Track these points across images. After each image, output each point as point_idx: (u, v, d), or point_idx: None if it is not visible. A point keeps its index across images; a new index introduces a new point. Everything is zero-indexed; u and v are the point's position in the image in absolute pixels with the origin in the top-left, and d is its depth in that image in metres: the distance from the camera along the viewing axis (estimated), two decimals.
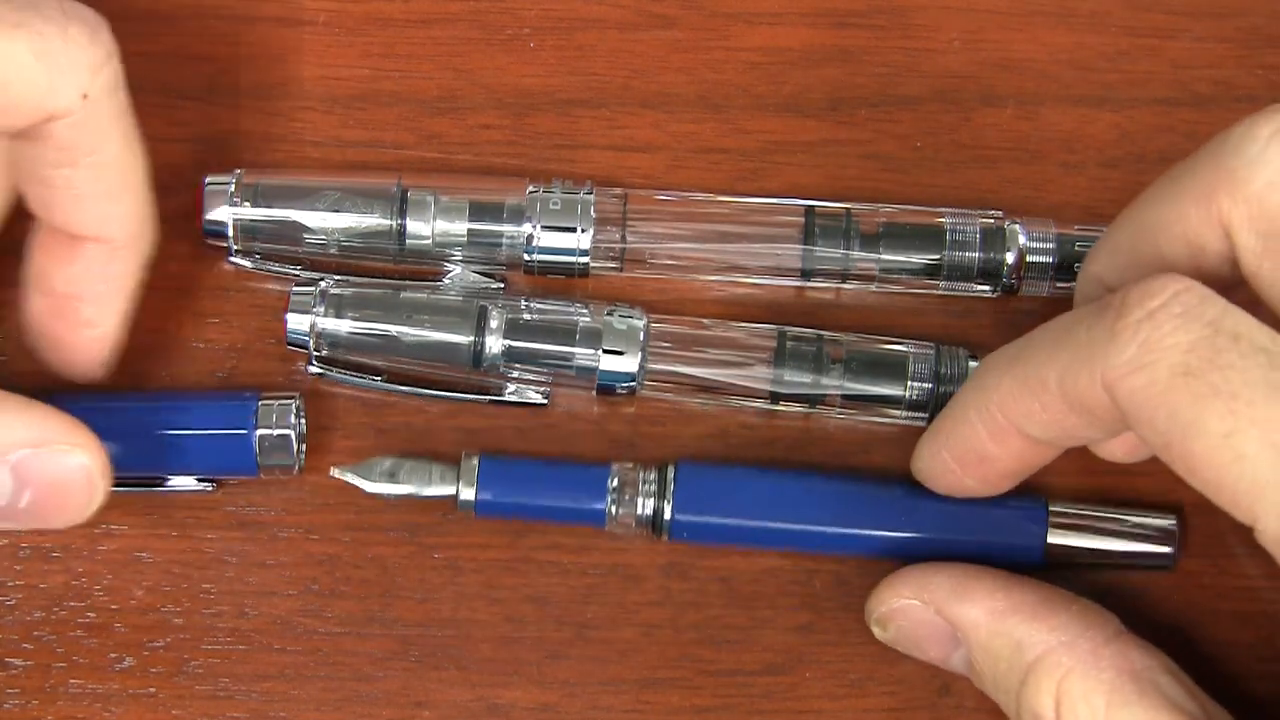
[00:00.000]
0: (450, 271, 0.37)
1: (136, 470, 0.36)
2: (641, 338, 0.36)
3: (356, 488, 0.36)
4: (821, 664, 0.36)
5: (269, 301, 0.38)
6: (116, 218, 0.34)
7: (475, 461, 0.36)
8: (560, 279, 0.38)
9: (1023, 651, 0.32)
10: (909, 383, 0.36)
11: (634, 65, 0.40)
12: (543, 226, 0.37)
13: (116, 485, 0.36)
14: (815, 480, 0.36)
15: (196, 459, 0.36)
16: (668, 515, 0.36)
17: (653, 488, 0.36)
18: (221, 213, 0.37)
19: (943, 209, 0.38)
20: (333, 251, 0.37)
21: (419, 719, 0.36)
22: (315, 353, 0.36)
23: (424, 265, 0.37)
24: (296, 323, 0.36)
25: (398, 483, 0.36)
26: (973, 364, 0.36)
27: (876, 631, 0.35)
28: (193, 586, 0.36)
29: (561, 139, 0.39)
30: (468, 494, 0.36)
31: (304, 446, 0.36)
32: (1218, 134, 0.31)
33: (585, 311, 0.36)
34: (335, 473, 0.36)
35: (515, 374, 0.36)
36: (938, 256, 0.37)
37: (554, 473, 0.36)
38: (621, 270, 0.38)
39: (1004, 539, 0.36)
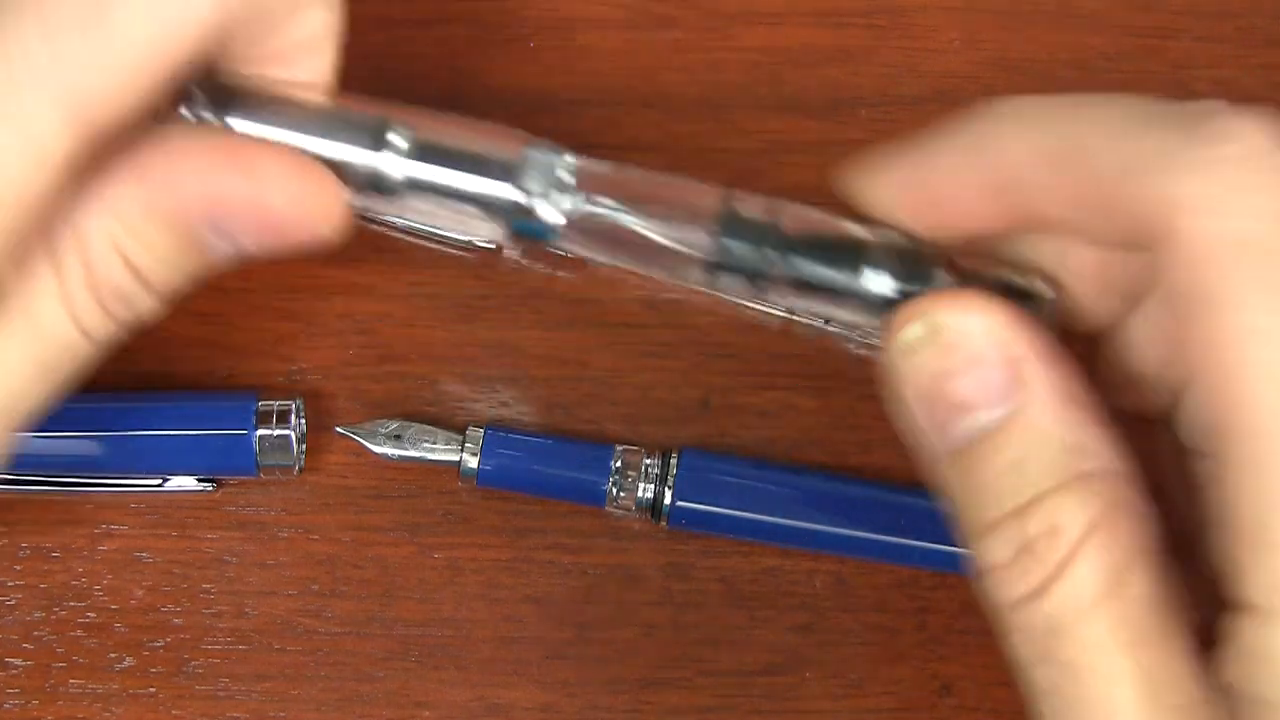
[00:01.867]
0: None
1: (136, 470, 0.36)
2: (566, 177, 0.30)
3: (357, 487, 0.36)
4: (821, 664, 0.36)
5: (269, 302, 0.38)
6: None
7: (481, 431, 0.36)
8: (553, 254, 0.37)
9: (1084, 453, 0.25)
10: (867, 272, 0.28)
11: (634, 65, 0.40)
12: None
13: (117, 485, 0.36)
14: (817, 478, 0.36)
15: (196, 459, 0.36)
16: (668, 501, 0.36)
17: (655, 471, 0.36)
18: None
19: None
20: None
21: (419, 719, 0.36)
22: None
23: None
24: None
25: (402, 446, 0.36)
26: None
27: (909, 334, 0.26)
28: (193, 586, 0.36)
29: (561, 139, 0.39)
30: (471, 462, 0.36)
31: (304, 446, 0.36)
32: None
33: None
34: (341, 430, 0.36)
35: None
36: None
37: (558, 449, 0.36)
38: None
39: None
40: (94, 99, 0.25)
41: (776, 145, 0.39)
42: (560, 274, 0.38)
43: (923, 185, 0.27)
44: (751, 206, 0.28)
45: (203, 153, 0.27)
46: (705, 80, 0.40)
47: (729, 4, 0.40)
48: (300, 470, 0.36)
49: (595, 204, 0.29)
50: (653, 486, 0.36)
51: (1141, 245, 0.25)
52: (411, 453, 0.36)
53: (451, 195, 0.29)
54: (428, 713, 0.36)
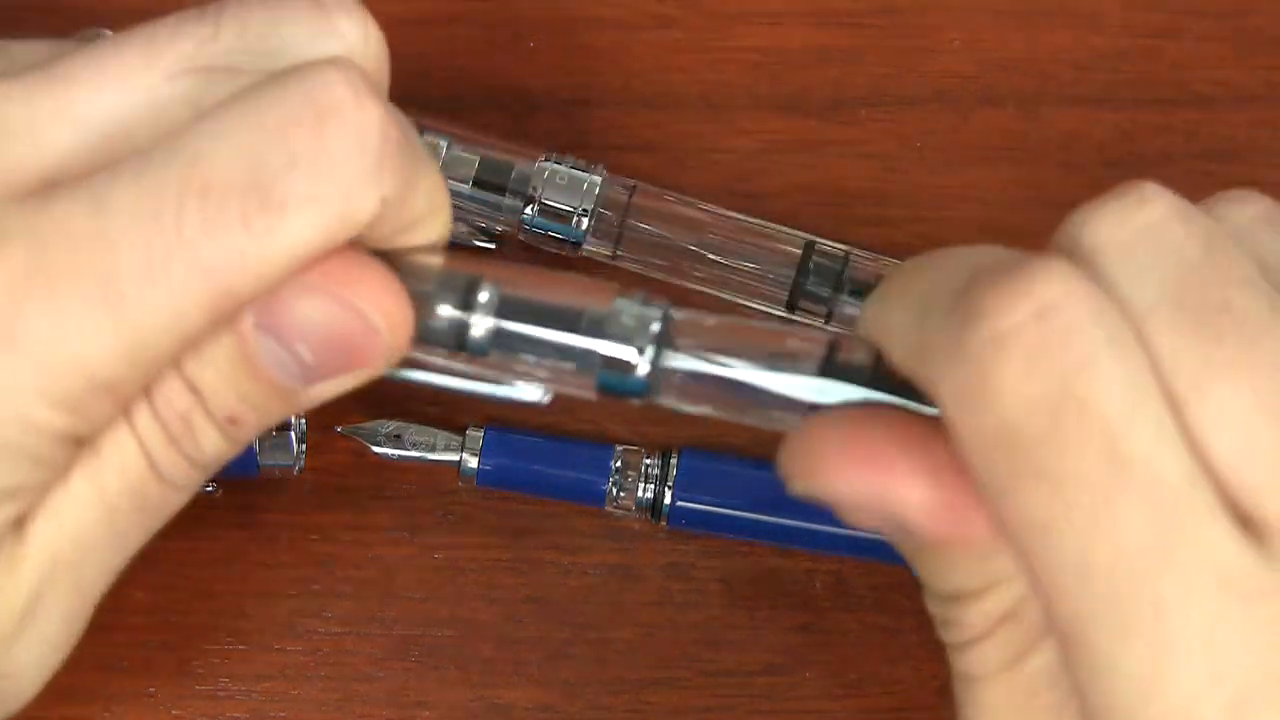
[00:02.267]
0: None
1: None
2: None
3: (357, 487, 0.36)
4: (821, 664, 0.36)
5: None
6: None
7: (481, 432, 0.36)
8: (551, 253, 0.38)
9: (993, 561, 0.25)
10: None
11: (634, 65, 0.40)
12: (544, 198, 0.37)
13: None
14: None
15: None
16: (668, 501, 0.36)
17: (655, 471, 0.36)
18: None
19: None
20: None
21: (419, 719, 0.36)
22: None
23: None
24: None
25: (402, 446, 0.36)
26: None
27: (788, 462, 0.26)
28: (193, 586, 0.36)
29: (561, 139, 0.39)
30: (471, 462, 0.36)
31: (304, 446, 0.36)
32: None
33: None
34: (341, 430, 0.36)
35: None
36: None
37: (558, 449, 0.37)
38: (614, 258, 0.38)
39: None
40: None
41: (776, 145, 0.39)
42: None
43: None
44: (854, 350, 0.26)
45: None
46: (705, 80, 0.40)
47: (729, 4, 0.40)
48: (300, 470, 0.36)
49: (690, 354, 0.27)
50: (653, 486, 0.36)
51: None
52: (411, 453, 0.36)
53: (539, 351, 0.27)
54: (428, 713, 0.36)
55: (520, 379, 0.28)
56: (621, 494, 0.36)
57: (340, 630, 0.36)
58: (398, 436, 0.36)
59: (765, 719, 0.36)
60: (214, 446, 0.27)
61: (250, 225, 0.24)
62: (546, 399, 0.28)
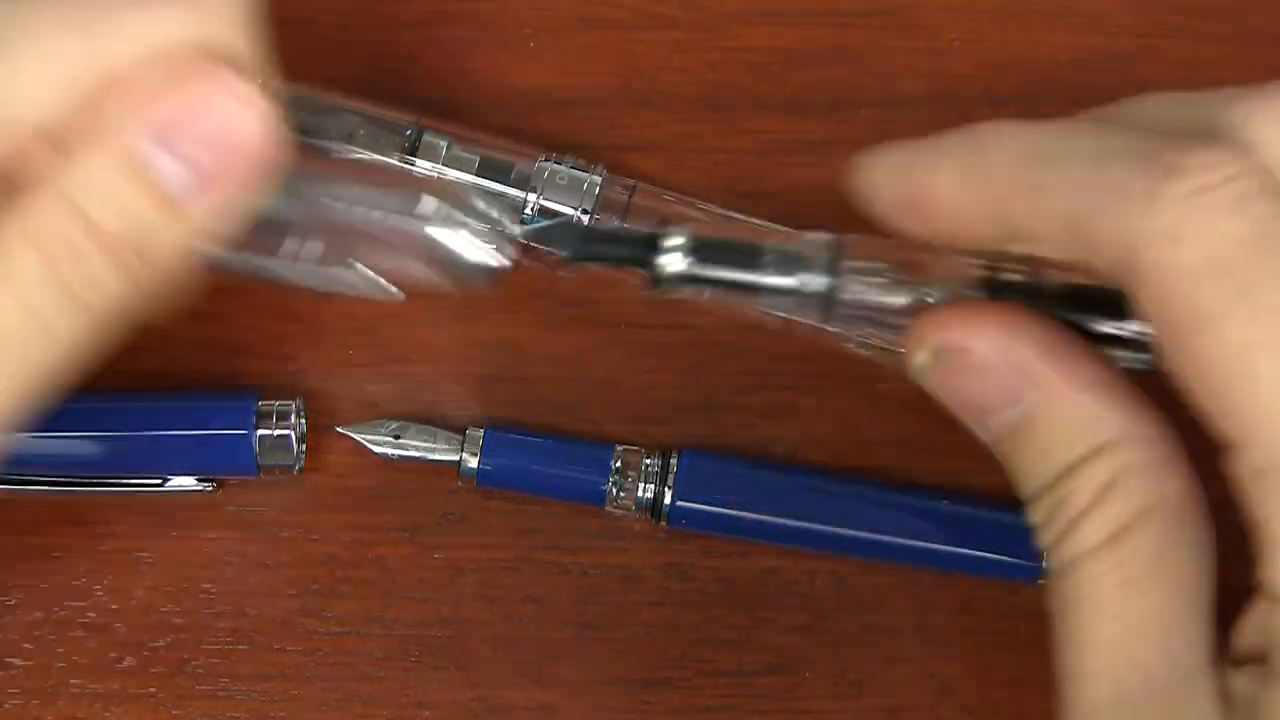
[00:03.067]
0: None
1: (136, 470, 0.36)
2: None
3: (357, 487, 0.36)
4: (821, 664, 0.36)
5: (269, 302, 0.38)
6: None
7: (481, 432, 0.36)
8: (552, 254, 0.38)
9: (1097, 428, 0.28)
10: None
11: (634, 65, 0.40)
12: (545, 197, 0.37)
13: (117, 485, 0.36)
14: (817, 478, 0.36)
15: (196, 459, 0.36)
16: (668, 501, 0.36)
17: (655, 471, 0.36)
18: None
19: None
20: None
21: (419, 719, 0.36)
22: None
23: None
24: None
25: (402, 446, 0.36)
26: None
27: (918, 360, 0.29)
28: (193, 586, 0.36)
29: (561, 139, 0.39)
30: (471, 462, 0.36)
31: (304, 446, 0.36)
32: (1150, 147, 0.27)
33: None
34: (341, 430, 0.36)
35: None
36: None
37: (558, 449, 0.36)
38: None
39: (1012, 550, 0.35)
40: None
41: (776, 145, 0.39)
42: (561, 274, 0.38)
43: (918, 194, 0.28)
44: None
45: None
46: (705, 80, 0.40)
47: (729, 4, 0.40)
48: (300, 470, 0.36)
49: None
50: (653, 486, 0.36)
51: (1121, 277, 0.26)
52: (411, 453, 0.36)
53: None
54: (428, 713, 0.36)
55: (358, 271, 0.29)
56: (621, 494, 0.36)
57: (340, 630, 0.36)
58: (398, 436, 0.36)
59: (765, 719, 0.36)
60: (104, 274, 0.26)
61: None
62: (401, 296, 0.30)
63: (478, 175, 0.37)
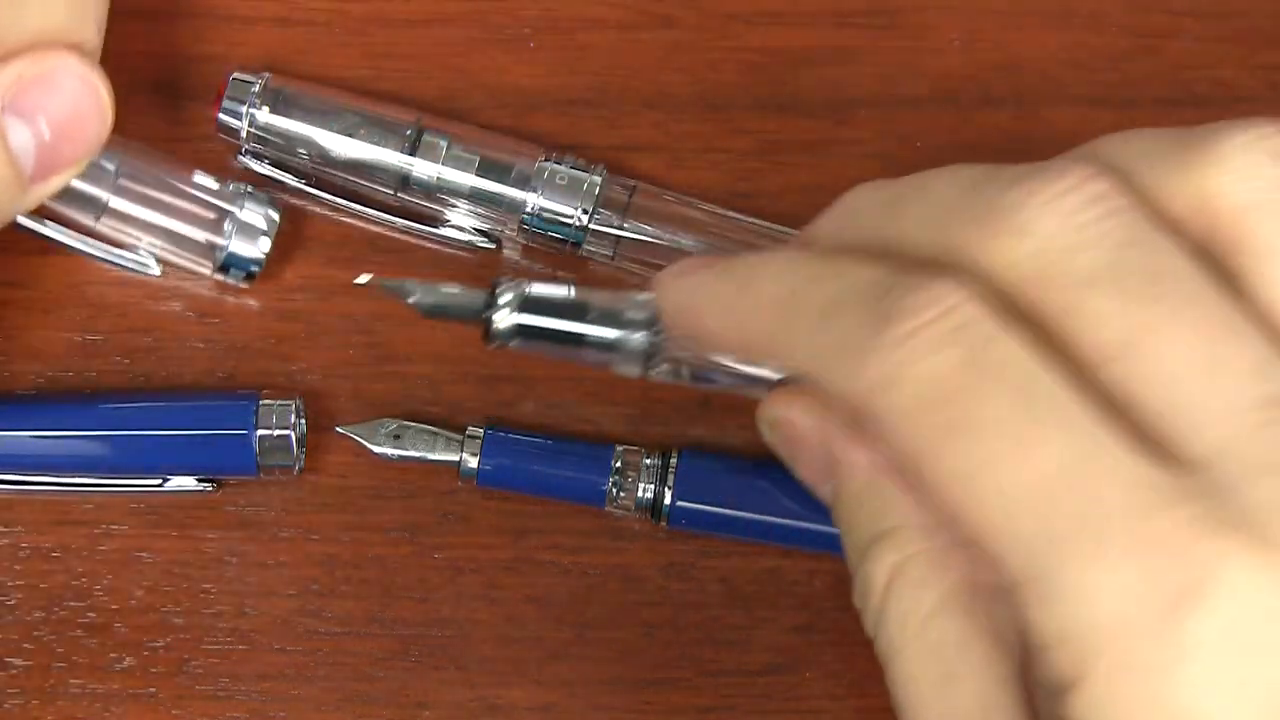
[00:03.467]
0: (447, 220, 0.38)
1: (136, 470, 0.36)
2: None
3: (357, 487, 0.36)
4: (821, 664, 0.36)
5: (269, 302, 0.38)
6: None
7: (481, 432, 0.36)
8: (552, 254, 0.38)
9: (885, 515, 0.28)
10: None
11: (634, 65, 0.40)
12: (544, 197, 0.37)
13: (117, 485, 0.36)
14: None
15: (196, 459, 0.36)
16: (668, 501, 0.36)
17: (655, 471, 0.36)
18: (238, 111, 0.37)
19: None
20: (337, 174, 0.37)
21: (419, 719, 0.36)
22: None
23: (423, 207, 0.37)
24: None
25: (402, 446, 0.36)
26: None
27: (763, 430, 0.31)
28: (193, 586, 0.36)
29: (561, 139, 0.39)
30: (471, 462, 0.36)
31: (304, 446, 0.36)
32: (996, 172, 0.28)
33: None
34: (341, 430, 0.36)
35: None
36: None
37: (558, 449, 0.37)
38: (614, 259, 0.38)
39: None
40: None
41: (776, 145, 0.39)
42: (560, 274, 0.38)
43: (694, 322, 0.30)
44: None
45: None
46: (705, 80, 0.40)
47: (729, 4, 0.40)
48: (300, 470, 0.36)
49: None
50: (653, 486, 0.36)
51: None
52: (411, 453, 0.36)
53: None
54: (428, 713, 0.36)
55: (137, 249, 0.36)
56: (621, 494, 0.36)
57: (340, 630, 0.36)
58: (398, 437, 0.36)
59: (765, 719, 0.36)
60: None
61: None
62: (156, 271, 0.37)
63: (477, 175, 0.37)
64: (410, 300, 0.32)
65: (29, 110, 0.31)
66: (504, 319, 0.31)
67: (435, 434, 0.36)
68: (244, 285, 0.36)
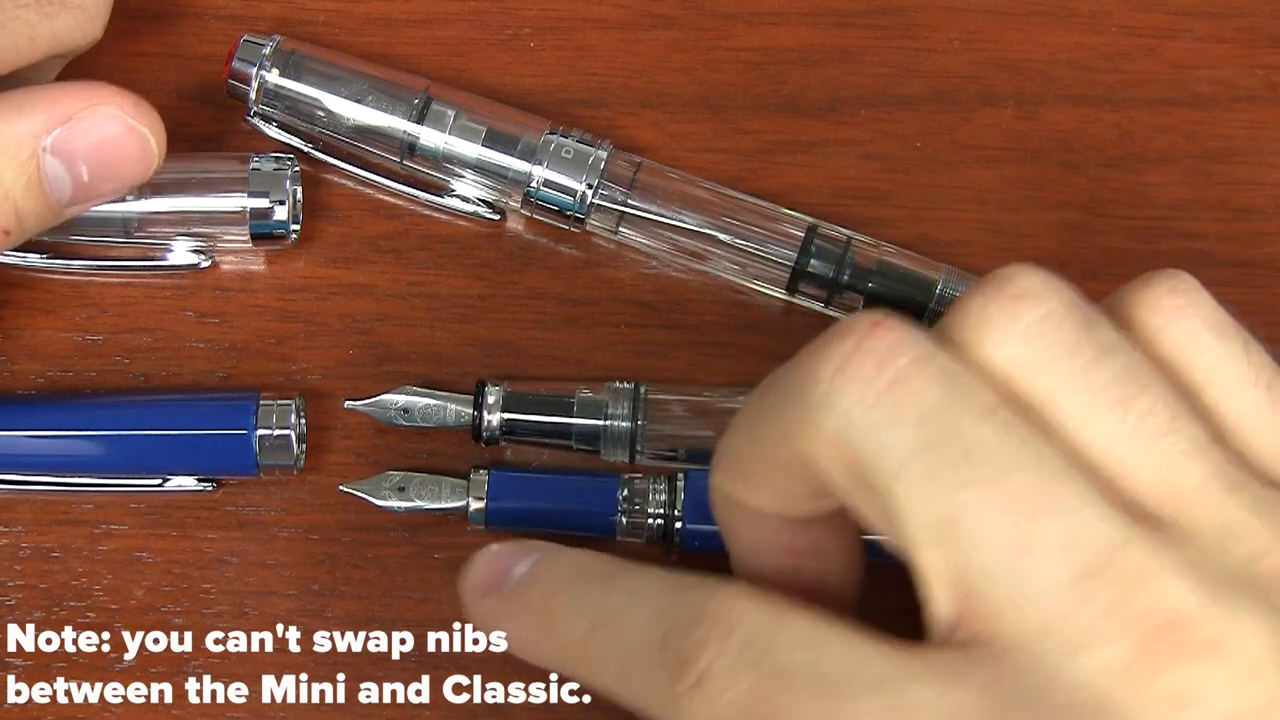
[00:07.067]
0: (453, 190, 0.38)
1: (136, 470, 0.36)
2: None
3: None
4: None
5: (269, 302, 0.38)
6: None
7: (485, 475, 0.36)
8: (555, 226, 0.38)
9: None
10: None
11: (634, 65, 0.40)
12: (550, 170, 0.37)
13: (117, 485, 0.36)
14: None
15: (196, 459, 0.36)
16: (678, 526, 0.36)
17: (663, 498, 0.36)
18: (248, 74, 0.37)
19: (942, 264, 0.37)
20: (344, 138, 0.37)
21: (419, 719, 0.36)
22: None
23: (429, 176, 0.38)
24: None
25: (407, 498, 0.36)
26: None
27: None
28: (193, 586, 0.36)
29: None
30: (478, 506, 0.36)
31: (304, 446, 0.36)
32: (799, 354, 0.28)
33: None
34: (344, 489, 0.36)
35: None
36: (923, 306, 0.37)
37: (563, 484, 0.36)
38: (616, 234, 0.38)
39: None
40: None
41: (776, 145, 0.39)
42: (562, 247, 0.38)
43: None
44: None
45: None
46: (705, 80, 0.40)
47: (729, 4, 0.40)
48: (300, 470, 0.36)
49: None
50: (661, 512, 0.36)
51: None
52: (419, 504, 0.36)
53: None
54: (428, 713, 0.36)
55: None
56: (630, 524, 0.36)
57: (340, 630, 0.36)
58: (402, 489, 0.36)
59: None
60: None
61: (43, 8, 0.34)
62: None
63: (484, 145, 0.37)
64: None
65: (69, 154, 0.32)
66: (493, 419, 0.35)
67: (440, 482, 0.36)
68: (291, 245, 0.37)
